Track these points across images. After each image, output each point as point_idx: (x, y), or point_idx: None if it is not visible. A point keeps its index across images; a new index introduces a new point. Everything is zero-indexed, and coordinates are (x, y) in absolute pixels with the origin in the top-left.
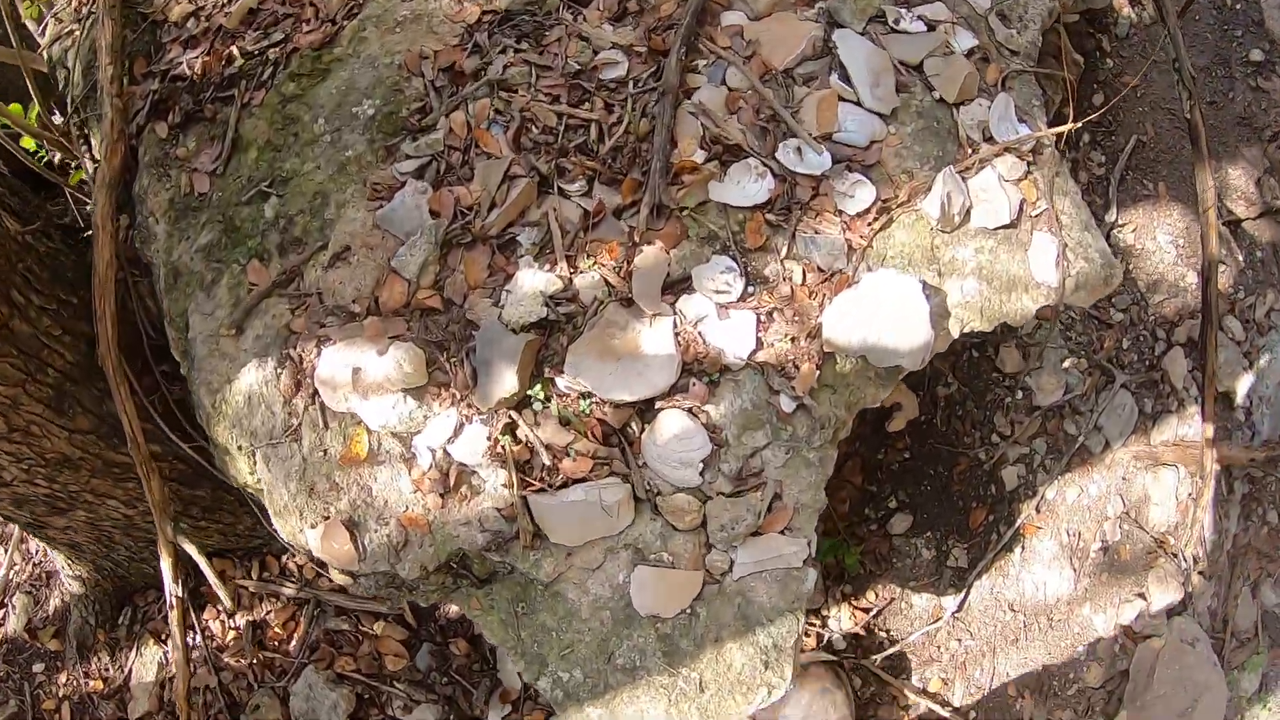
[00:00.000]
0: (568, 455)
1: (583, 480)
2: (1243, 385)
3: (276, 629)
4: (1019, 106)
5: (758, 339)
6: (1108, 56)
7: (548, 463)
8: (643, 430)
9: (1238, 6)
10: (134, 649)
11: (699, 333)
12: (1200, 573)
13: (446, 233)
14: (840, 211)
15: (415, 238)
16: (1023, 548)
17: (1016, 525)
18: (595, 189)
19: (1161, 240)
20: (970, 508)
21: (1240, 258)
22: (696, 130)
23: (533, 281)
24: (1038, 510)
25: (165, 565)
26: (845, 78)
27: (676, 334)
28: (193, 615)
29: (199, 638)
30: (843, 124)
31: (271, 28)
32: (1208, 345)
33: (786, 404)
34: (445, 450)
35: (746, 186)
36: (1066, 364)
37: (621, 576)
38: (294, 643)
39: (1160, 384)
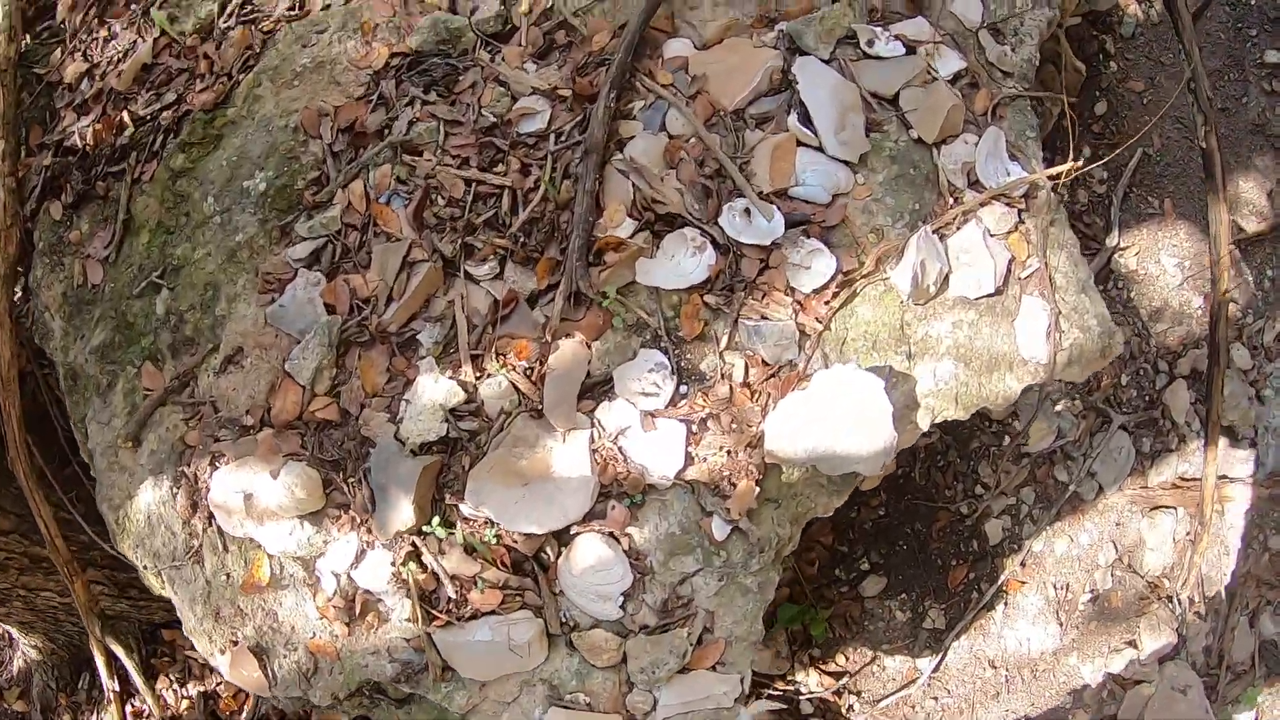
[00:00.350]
0: (475, 586)
1: (492, 613)
2: (1249, 416)
3: (228, 699)
4: (1011, 141)
5: (688, 454)
6: (1112, 59)
7: (453, 595)
8: (559, 554)
9: (1252, 2)
10: (95, 714)
11: (619, 448)
12: (1196, 613)
13: (342, 330)
14: (792, 290)
15: (309, 338)
16: (1005, 604)
17: (1000, 583)
18: (508, 270)
19: (1166, 263)
20: (950, 566)
21: (1250, 278)
22: (626, 193)
23: (432, 393)
24: (1023, 564)
25: (99, 664)
26: (806, 118)
27: (594, 450)
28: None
29: (154, 706)
30: (801, 176)
31: (164, 86)
32: (1213, 393)
33: (719, 529)
34: (349, 575)
35: (682, 262)
36: (1060, 407)
37: (537, 712)
38: (244, 714)
39: (1160, 420)
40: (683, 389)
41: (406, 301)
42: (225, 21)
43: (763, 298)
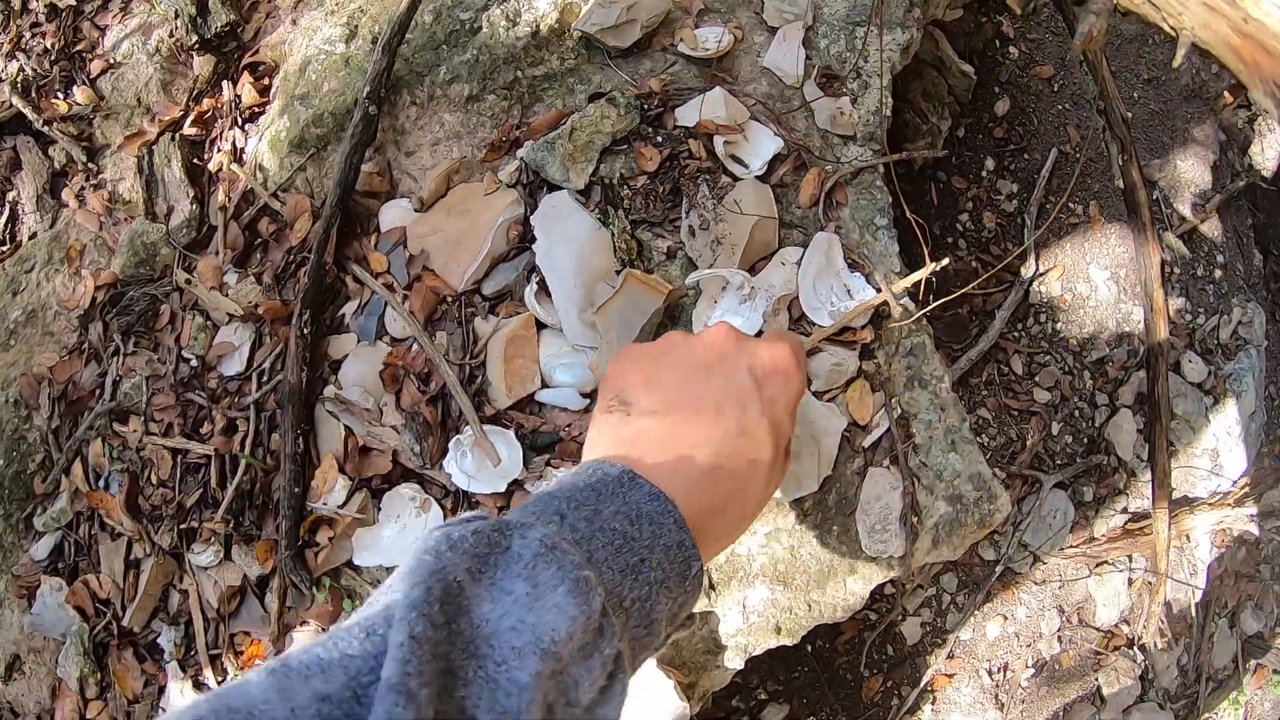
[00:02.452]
0: None
1: None
2: (1207, 431)
3: None
4: (853, 241)
5: None
6: (1011, 44)
7: None
8: None
9: None
10: None
11: None
12: (1167, 641)
13: (93, 636)
14: None
15: (66, 645)
16: (933, 702)
17: (923, 683)
18: (234, 552)
19: (1096, 278)
20: (862, 679)
21: (1198, 271)
22: (337, 442)
23: (182, 705)
24: (950, 656)
25: None
26: (547, 290)
27: None
28: None
29: None
30: (549, 373)
31: None
32: (1158, 452)
33: None
34: None
35: (407, 526)
36: None
37: None
38: None
39: (1105, 457)
40: None
41: (141, 601)
42: None
43: None
